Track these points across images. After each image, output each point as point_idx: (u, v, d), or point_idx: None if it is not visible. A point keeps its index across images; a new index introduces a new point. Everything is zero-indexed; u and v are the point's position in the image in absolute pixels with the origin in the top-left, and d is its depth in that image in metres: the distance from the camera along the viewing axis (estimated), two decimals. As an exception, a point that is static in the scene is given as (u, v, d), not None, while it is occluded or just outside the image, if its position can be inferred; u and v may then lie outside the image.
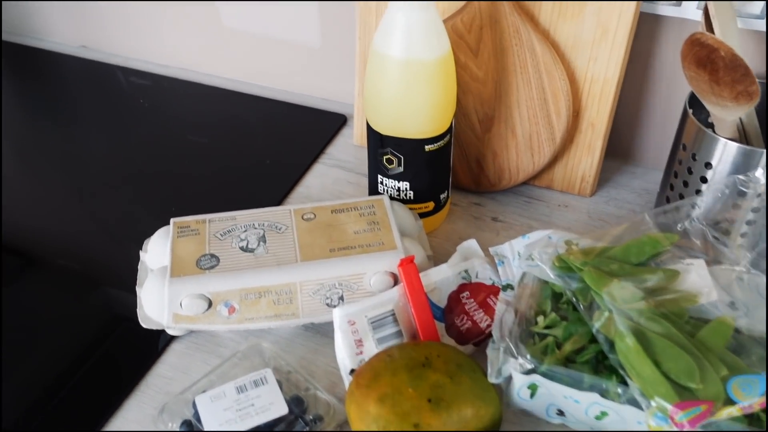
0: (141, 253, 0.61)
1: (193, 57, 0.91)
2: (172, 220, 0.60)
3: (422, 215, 0.65)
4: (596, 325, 0.47)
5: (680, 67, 0.67)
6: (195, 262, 0.56)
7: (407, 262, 0.55)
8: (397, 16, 0.54)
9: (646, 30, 0.65)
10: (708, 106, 0.57)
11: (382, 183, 0.64)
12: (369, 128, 0.62)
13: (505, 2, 0.61)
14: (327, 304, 0.56)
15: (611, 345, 0.46)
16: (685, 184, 0.61)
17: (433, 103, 0.58)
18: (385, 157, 0.61)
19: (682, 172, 0.61)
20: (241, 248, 0.57)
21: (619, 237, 0.53)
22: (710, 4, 0.56)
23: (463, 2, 0.63)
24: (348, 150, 0.78)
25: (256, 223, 0.59)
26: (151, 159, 0.78)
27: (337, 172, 0.76)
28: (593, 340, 0.48)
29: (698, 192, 0.60)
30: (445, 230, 0.68)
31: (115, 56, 0.95)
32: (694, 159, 0.59)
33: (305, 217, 0.60)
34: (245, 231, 0.58)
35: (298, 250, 0.57)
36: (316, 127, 0.82)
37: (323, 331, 0.59)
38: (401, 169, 0.62)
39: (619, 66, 0.63)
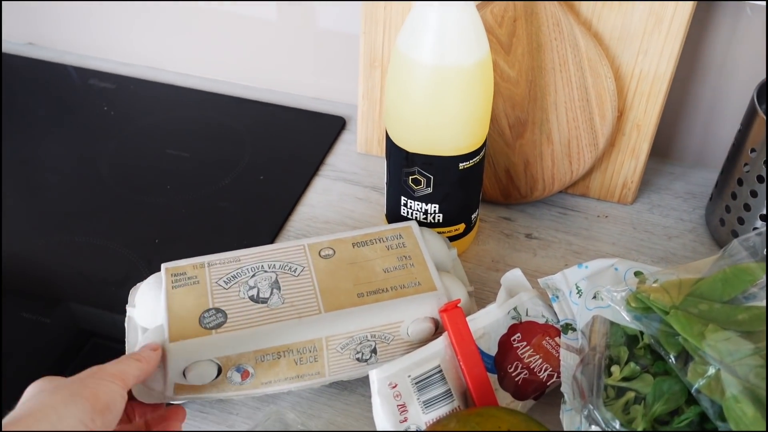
0: (128, 308, 0.51)
1: (162, 53, 0.79)
2: (163, 267, 0.50)
3: (451, 239, 0.56)
4: (697, 384, 0.39)
5: (733, 57, 0.60)
6: (197, 320, 0.46)
7: (452, 307, 0.47)
8: (429, 15, 0.45)
9: (698, 15, 0.57)
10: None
11: (406, 206, 0.55)
12: (391, 144, 0.53)
13: (542, -10, 0.53)
14: (357, 359, 0.48)
15: (718, 409, 0.38)
16: (753, 193, 0.53)
17: (470, 114, 0.49)
18: (411, 178, 0.53)
19: (750, 180, 0.53)
20: (252, 298, 0.48)
21: (700, 268, 0.45)
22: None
23: (492, -10, 0.54)
24: (351, 159, 0.69)
25: (266, 264, 0.50)
26: (125, 179, 0.67)
27: (341, 186, 0.66)
28: (690, 399, 0.41)
29: (771, 204, 0.53)
30: (474, 252, 0.59)
31: (68, 54, 0.83)
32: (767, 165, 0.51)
33: (323, 253, 0.51)
34: (254, 276, 0.49)
35: (320, 298, 0.48)
36: (313, 134, 0.72)
37: (351, 387, 0.50)
38: (430, 189, 0.53)
39: (673, 60, 0.55)
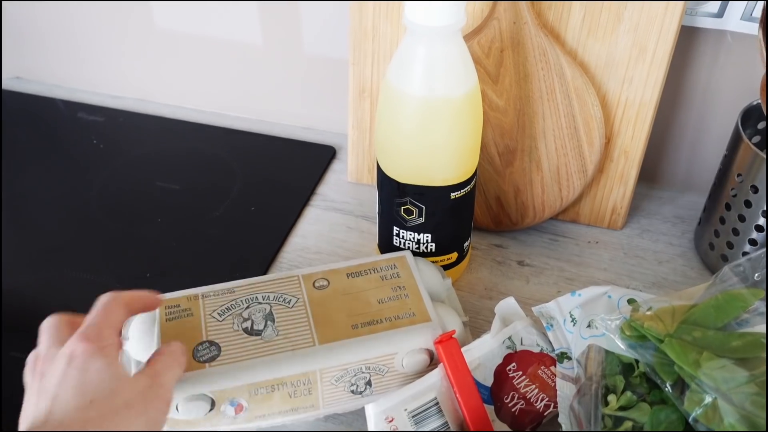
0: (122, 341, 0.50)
1: (151, 85, 0.80)
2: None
3: (444, 268, 0.56)
4: (694, 413, 0.39)
5: (717, 83, 0.61)
6: (191, 353, 0.46)
7: (447, 338, 0.46)
8: (418, 48, 0.46)
9: (681, 44, 0.58)
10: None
11: (398, 236, 0.55)
12: (382, 175, 0.53)
13: (530, 23, 0.53)
14: (352, 391, 0.47)
15: None
16: (741, 218, 0.54)
17: (461, 145, 0.50)
18: (403, 208, 0.53)
19: (737, 205, 0.54)
20: (246, 330, 0.47)
21: (692, 295, 0.46)
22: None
23: (481, 22, 0.55)
24: (342, 188, 0.69)
25: (260, 296, 0.50)
26: (115, 212, 0.67)
27: (333, 216, 0.66)
28: (688, 427, 0.41)
29: (759, 228, 0.53)
30: (467, 281, 0.59)
31: (57, 87, 0.83)
32: (754, 191, 0.52)
33: (317, 284, 0.50)
34: (248, 307, 0.49)
35: (315, 330, 0.47)
36: (303, 163, 0.72)
37: (347, 421, 0.50)
38: (422, 219, 0.53)
39: (658, 87, 0.56)
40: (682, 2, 0.52)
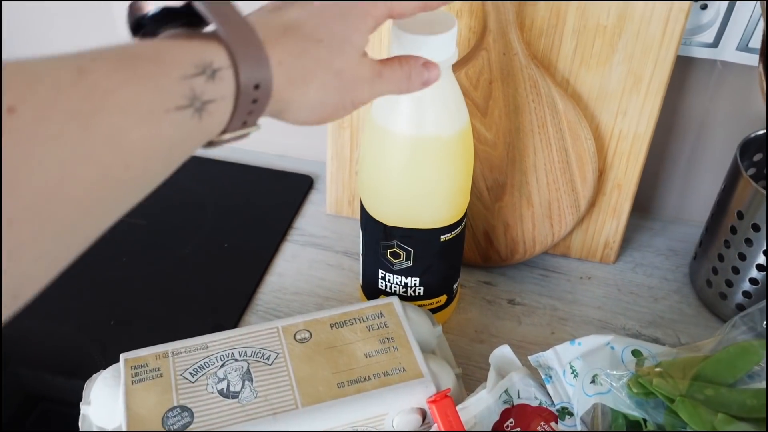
0: (82, 406, 0.46)
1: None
2: (122, 358, 0.45)
3: (432, 311, 0.53)
4: None
5: (712, 113, 0.59)
6: (161, 420, 0.42)
7: (441, 397, 0.43)
8: None
9: (675, 73, 0.56)
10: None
11: (384, 278, 0.51)
12: (367, 216, 0.49)
13: (520, 54, 0.50)
14: (339, 455, 0.44)
15: None
16: (742, 256, 0.52)
17: (452, 186, 0.47)
18: (389, 251, 0.49)
19: (737, 243, 0.52)
20: (221, 392, 0.43)
21: (700, 347, 0.43)
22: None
23: (468, 52, 0.52)
24: (321, 222, 0.66)
25: (237, 351, 0.46)
26: (76, 250, 0.62)
27: (311, 252, 0.63)
28: None
29: (760, 267, 0.51)
30: (456, 322, 0.56)
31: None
32: (756, 230, 0.50)
33: (299, 337, 0.47)
34: (223, 365, 0.45)
35: (297, 390, 0.43)
36: (279, 194, 0.68)
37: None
38: (410, 263, 0.50)
39: (653, 119, 0.53)
40: (679, 31, 0.49)
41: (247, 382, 0.44)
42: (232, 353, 0.46)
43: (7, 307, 0.24)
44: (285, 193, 0.68)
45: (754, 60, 0.53)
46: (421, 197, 0.46)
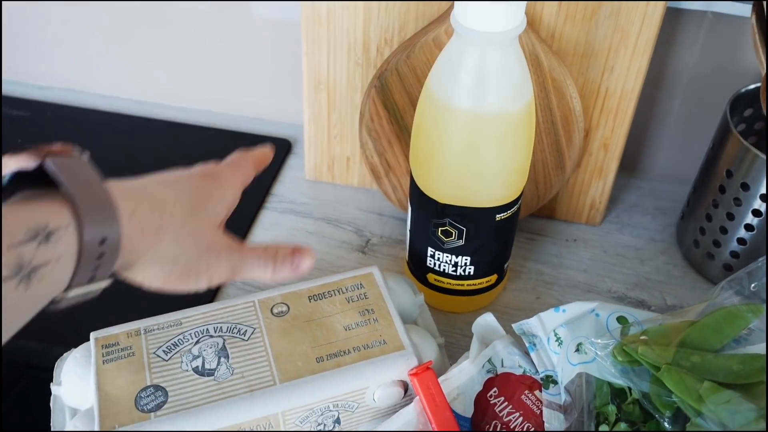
0: (53, 387, 0.44)
1: (83, 73, 0.72)
2: (92, 336, 0.44)
3: (481, 290, 0.52)
4: None
5: (702, 66, 0.57)
6: (134, 400, 0.40)
7: (422, 370, 0.42)
8: (468, 56, 0.40)
9: (664, 27, 0.54)
10: None
11: (433, 257, 0.50)
12: (418, 192, 0.47)
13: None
14: (320, 431, 0.43)
15: None
16: (730, 216, 0.50)
17: (512, 164, 0.44)
18: (440, 229, 0.47)
19: (726, 202, 0.50)
20: (196, 370, 0.42)
21: (685, 313, 0.42)
22: None
23: (446, 9, 0.50)
24: (300, 187, 0.64)
25: (212, 327, 0.44)
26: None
27: (291, 220, 0.61)
28: None
29: (749, 227, 0.50)
30: (439, 289, 0.55)
31: (-23, 77, 0.75)
32: (745, 189, 0.49)
33: (276, 311, 0.45)
34: (198, 342, 0.43)
35: (275, 365, 0.42)
36: (256, 160, 0.66)
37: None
38: (461, 242, 0.48)
39: (641, 76, 0.51)
40: (668, -17, 0.47)
41: (222, 359, 0.42)
42: (207, 329, 0.44)
43: None
44: (262, 158, 0.66)
45: (746, 10, 0.51)
46: (478, 175, 0.44)
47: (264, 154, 0.42)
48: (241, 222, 0.60)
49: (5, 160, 0.29)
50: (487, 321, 0.48)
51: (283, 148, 0.67)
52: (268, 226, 0.60)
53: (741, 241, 0.51)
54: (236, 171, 0.39)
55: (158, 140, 0.68)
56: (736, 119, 0.53)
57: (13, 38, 0.71)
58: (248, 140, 0.68)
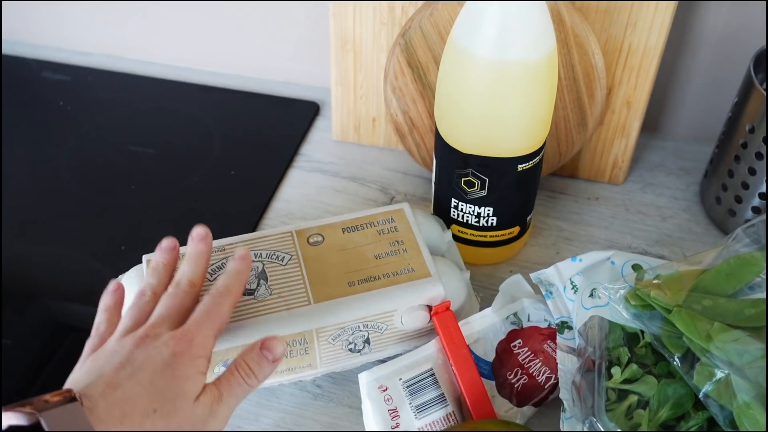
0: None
1: (120, 40, 0.75)
2: (144, 258, 0.46)
3: (504, 242, 0.53)
4: (705, 388, 0.37)
5: (726, 23, 0.57)
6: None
7: (442, 309, 0.44)
8: (490, 5, 0.42)
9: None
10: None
11: (456, 208, 0.51)
12: (442, 143, 0.49)
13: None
14: (350, 350, 0.45)
15: (728, 415, 0.36)
16: (752, 171, 0.52)
17: (534, 114, 0.46)
18: (464, 180, 0.49)
19: (748, 157, 0.51)
20: (237, 291, 0.44)
21: (701, 259, 0.43)
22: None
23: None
24: (327, 148, 0.66)
25: (252, 253, 0.46)
26: (85, 180, 0.63)
27: (318, 178, 0.63)
28: (697, 403, 0.38)
29: (770, 180, 0.51)
30: (464, 240, 0.56)
31: (18, 44, 0.77)
32: (767, 143, 0.50)
33: (312, 240, 0.47)
34: (238, 266, 0.45)
35: (310, 288, 0.44)
36: (284, 121, 0.68)
37: (337, 399, 0.47)
38: (484, 192, 0.49)
39: (664, 32, 0.53)
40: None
41: (262, 281, 0.44)
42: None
43: None
44: (291, 119, 0.68)
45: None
46: (501, 125, 0.45)
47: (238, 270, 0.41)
48: (270, 180, 0.62)
49: (4, 414, 0.31)
50: (516, 280, 0.49)
51: (311, 111, 0.69)
52: (296, 184, 0.62)
53: (762, 196, 0.52)
54: (207, 320, 0.38)
55: (191, 103, 0.70)
56: (761, 77, 0.54)
57: (54, 5, 0.74)
58: (278, 102, 0.70)
